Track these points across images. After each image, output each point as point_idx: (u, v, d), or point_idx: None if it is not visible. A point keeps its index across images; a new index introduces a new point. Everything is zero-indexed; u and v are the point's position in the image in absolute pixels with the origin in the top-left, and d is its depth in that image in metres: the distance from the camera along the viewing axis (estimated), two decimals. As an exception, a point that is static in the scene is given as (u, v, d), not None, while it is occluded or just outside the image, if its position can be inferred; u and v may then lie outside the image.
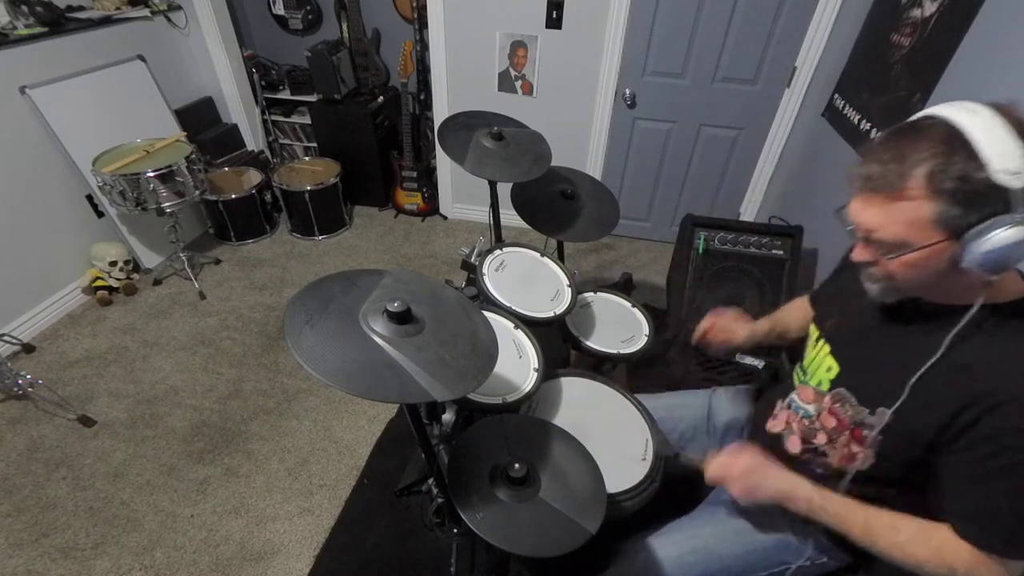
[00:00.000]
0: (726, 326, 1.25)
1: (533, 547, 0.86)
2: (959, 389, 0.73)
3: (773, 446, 1.04)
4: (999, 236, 0.63)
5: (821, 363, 0.96)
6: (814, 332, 1.03)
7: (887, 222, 0.71)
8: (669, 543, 1.04)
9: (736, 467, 0.94)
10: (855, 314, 0.94)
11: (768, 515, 1.04)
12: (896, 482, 0.86)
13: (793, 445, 1.00)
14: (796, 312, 1.24)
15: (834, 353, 0.94)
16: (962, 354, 0.75)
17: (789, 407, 1.02)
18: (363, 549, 1.63)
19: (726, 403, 1.28)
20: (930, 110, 0.70)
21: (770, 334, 1.24)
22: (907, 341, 0.82)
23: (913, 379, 0.77)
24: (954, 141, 0.64)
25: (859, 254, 0.80)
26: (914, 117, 0.72)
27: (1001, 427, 0.69)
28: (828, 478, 0.95)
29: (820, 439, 0.94)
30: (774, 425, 1.05)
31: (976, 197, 0.64)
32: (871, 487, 0.89)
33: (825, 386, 0.94)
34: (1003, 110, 0.64)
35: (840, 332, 0.96)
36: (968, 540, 0.74)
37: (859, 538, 0.83)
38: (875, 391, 0.84)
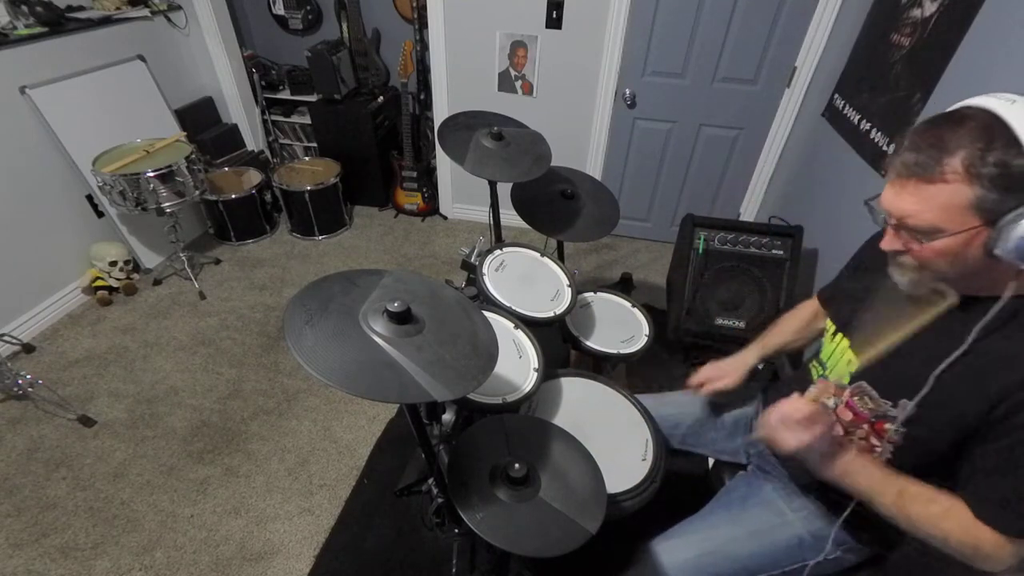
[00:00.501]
0: (712, 374, 1.21)
1: (533, 547, 0.86)
2: (993, 381, 0.73)
3: None
4: None
5: (841, 356, 0.96)
6: (830, 326, 1.03)
7: (922, 208, 0.70)
8: (684, 545, 1.04)
9: (787, 407, 0.88)
10: (876, 309, 0.93)
11: (783, 514, 1.04)
12: (919, 472, 0.86)
13: None
14: (790, 323, 1.24)
15: (854, 347, 0.94)
16: (993, 345, 0.75)
17: None
18: (363, 549, 1.63)
19: (734, 398, 1.28)
20: (967, 101, 0.70)
21: (765, 354, 1.23)
22: (931, 333, 0.82)
23: (937, 371, 0.77)
24: (994, 128, 0.65)
25: (889, 242, 0.79)
26: (951, 108, 0.72)
27: None
28: None
29: (837, 431, 0.94)
30: None
31: (1014, 182, 0.64)
32: None
33: (846, 379, 0.94)
34: None
35: (860, 326, 0.96)
36: (993, 526, 0.73)
37: (889, 506, 0.82)
38: (897, 383, 0.84)
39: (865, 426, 0.89)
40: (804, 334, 1.23)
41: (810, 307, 1.23)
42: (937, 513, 0.79)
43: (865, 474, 0.85)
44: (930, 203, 0.69)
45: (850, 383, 0.93)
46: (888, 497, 0.82)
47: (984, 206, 0.66)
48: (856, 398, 0.91)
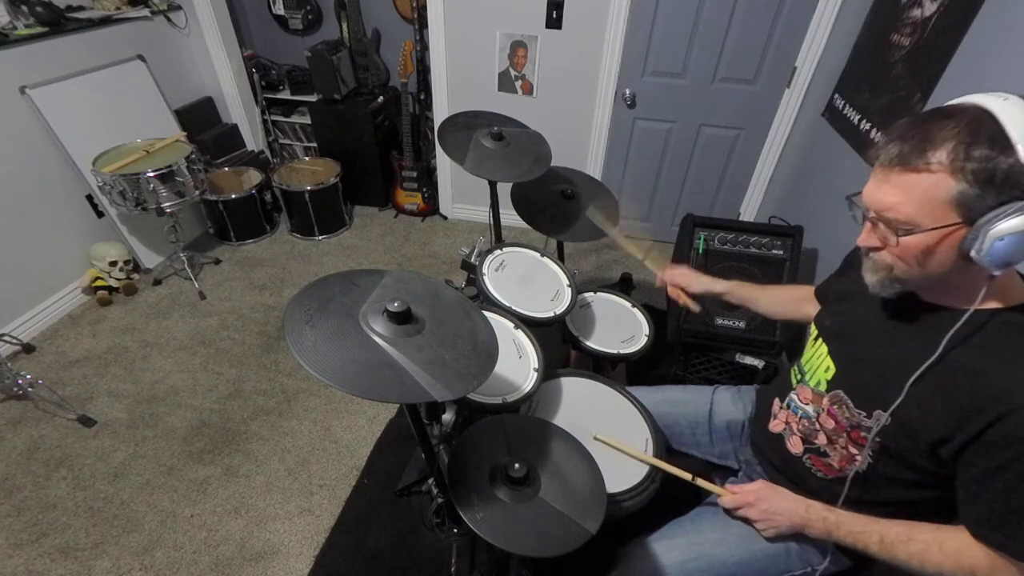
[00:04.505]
0: (682, 274, 1.31)
1: (533, 547, 0.86)
2: (965, 393, 0.72)
3: (775, 446, 1.04)
4: (1012, 222, 0.62)
5: (820, 363, 0.96)
6: (813, 330, 1.03)
7: (903, 200, 0.68)
8: (672, 548, 1.03)
9: (751, 495, 0.96)
10: (854, 315, 0.94)
11: None
12: (899, 482, 0.86)
13: (795, 445, 0.99)
14: (775, 289, 1.25)
15: (832, 354, 0.94)
16: (966, 357, 0.74)
17: (788, 407, 1.02)
18: (363, 549, 1.63)
19: (728, 403, 1.27)
20: (959, 98, 0.69)
21: (731, 295, 1.26)
22: (905, 342, 0.81)
23: (910, 381, 0.76)
24: (983, 122, 0.63)
25: (865, 238, 0.77)
26: (944, 104, 0.71)
27: (1014, 434, 0.68)
28: (829, 482, 0.95)
29: (820, 440, 0.94)
30: (775, 425, 1.05)
31: (998, 178, 0.62)
32: (874, 489, 0.89)
33: (823, 387, 0.94)
34: None
35: (838, 332, 0.96)
36: (985, 543, 0.73)
37: (878, 553, 0.83)
38: (871, 394, 0.84)
39: (845, 434, 0.89)
40: (781, 304, 1.23)
41: (804, 289, 1.21)
42: (920, 551, 0.78)
43: (845, 530, 0.87)
44: (910, 194, 0.68)
45: (828, 391, 0.92)
46: (873, 547, 0.84)
47: (965, 202, 0.64)
48: (836, 406, 0.90)
